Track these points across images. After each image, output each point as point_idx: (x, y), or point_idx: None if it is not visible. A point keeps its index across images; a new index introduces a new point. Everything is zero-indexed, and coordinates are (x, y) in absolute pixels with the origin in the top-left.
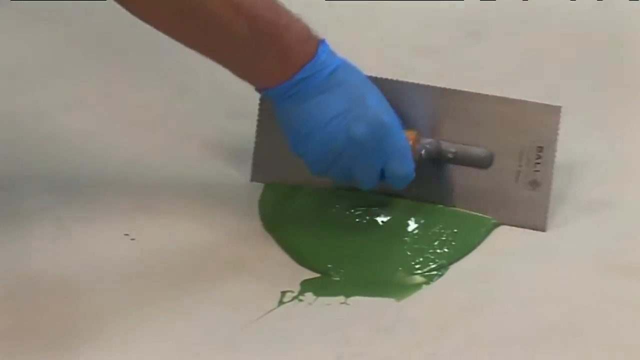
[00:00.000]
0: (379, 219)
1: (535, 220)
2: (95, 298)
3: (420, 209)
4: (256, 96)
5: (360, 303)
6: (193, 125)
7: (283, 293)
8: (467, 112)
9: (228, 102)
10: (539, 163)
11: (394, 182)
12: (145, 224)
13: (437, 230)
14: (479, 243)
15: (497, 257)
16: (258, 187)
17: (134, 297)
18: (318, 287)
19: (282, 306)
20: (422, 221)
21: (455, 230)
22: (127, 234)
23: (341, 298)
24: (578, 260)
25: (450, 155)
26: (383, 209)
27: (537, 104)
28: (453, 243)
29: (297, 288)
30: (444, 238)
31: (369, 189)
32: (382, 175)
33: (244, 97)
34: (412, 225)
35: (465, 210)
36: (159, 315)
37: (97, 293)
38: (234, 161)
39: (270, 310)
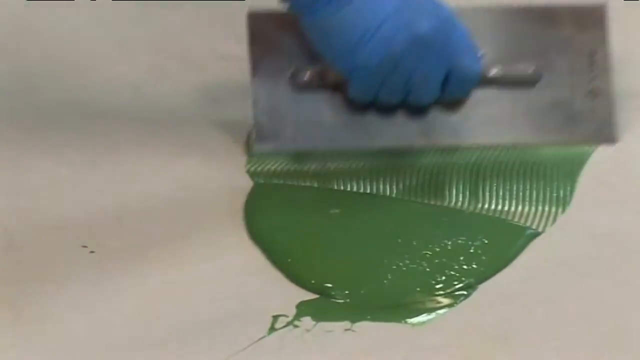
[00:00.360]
0: (391, 229)
1: (602, 132)
2: None
3: (443, 214)
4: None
5: (369, 330)
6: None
7: (275, 318)
8: (500, 27)
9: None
10: (593, 69)
11: (459, 88)
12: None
13: (463, 241)
14: (514, 257)
15: (536, 274)
16: (242, 190)
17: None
18: (317, 310)
19: (274, 334)
20: (445, 230)
21: (486, 241)
22: (85, 246)
23: (345, 324)
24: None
25: (492, 75)
26: (396, 214)
27: (578, 5)
28: (483, 257)
29: (291, 311)
30: (471, 251)
31: (428, 103)
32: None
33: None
34: (432, 234)
35: (498, 216)
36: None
37: None
38: (214, 160)
39: (260, 339)
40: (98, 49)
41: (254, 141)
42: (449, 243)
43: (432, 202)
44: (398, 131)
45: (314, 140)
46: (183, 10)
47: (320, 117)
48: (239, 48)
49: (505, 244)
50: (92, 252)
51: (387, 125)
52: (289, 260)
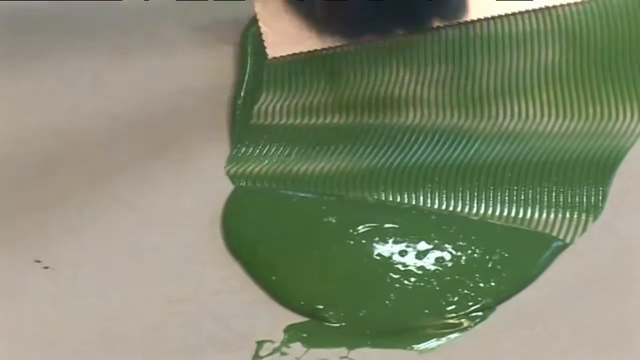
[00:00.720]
0: (394, 240)
1: None
2: None
3: (455, 223)
4: None
5: (369, 358)
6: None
7: (259, 343)
8: None
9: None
10: None
11: None
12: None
13: (479, 255)
14: (539, 273)
15: (563, 292)
16: (220, 195)
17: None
18: (308, 335)
19: None
20: (458, 242)
21: (506, 255)
22: (38, 261)
23: (341, 351)
24: None
25: None
26: (400, 225)
27: None
28: (502, 274)
29: (279, 336)
30: (489, 266)
31: None
32: None
33: None
34: (442, 248)
35: (519, 224)
36: None
37: None
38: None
39: None
40: None
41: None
42: (463, 257)
43: (442, 208)
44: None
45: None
46: None
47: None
48: None
49: (528, 257)
50: (46, 267)
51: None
52: (274, 277)
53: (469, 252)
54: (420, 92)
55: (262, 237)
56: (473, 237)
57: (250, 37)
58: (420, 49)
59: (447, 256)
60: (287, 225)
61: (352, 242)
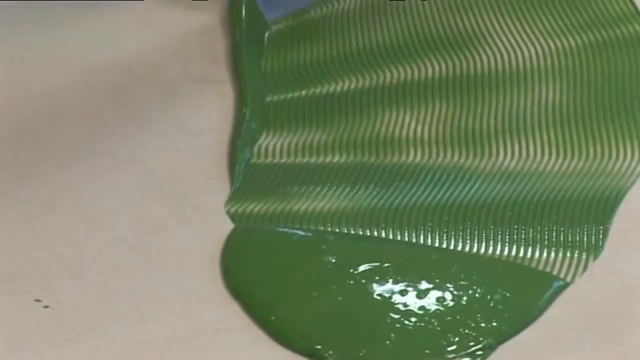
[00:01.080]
0: (394, 280)
1: None
2: None
3: (456, 261)
4: None
5: None
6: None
7: None
8: None
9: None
10: None
11: None
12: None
13: (480, 294)
14: (541, 312)
15: (564, 332)
16: (220, 234)
17: None
18: None
19: None
20: (459, 281)
21: (508, 295)
22: (39, 300)
23: None
24: None
25: None
26: (400, 264)
27: None
28: (504, 314)
29: None
30: (491, 305)
31: None
32: None
33: None
34: (443, 287)
35: (520, 262)
36: None
37: None
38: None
39: None
40: None
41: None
42: (464, 296)
43: (443, 247)
44: None
45: None
46: None
47: None
48: None
49: (529, 297)
50: (46, 306)
51: None
52: (273, 317)
53: (470, 291)
54: (421, 132)
55: (261, 277)
56: (474, 277)
57: (249, 76)
58: (421, 88)
59: (448, 296)
60: (286, 265)
61: (351, 282)
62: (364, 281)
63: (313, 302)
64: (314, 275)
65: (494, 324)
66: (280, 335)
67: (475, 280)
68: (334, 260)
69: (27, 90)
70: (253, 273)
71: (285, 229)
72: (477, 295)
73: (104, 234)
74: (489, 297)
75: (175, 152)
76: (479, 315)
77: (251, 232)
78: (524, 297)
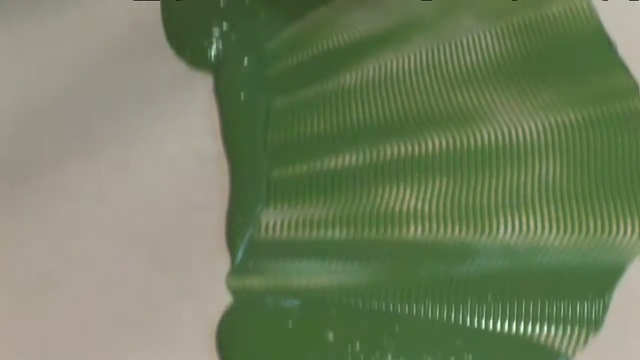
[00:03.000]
0: (394, 354)
1: None
2: None
3: (458, 337)
4: None
5: None
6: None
7: None
8: None
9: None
10: None
11: None
12: None
13: None
14: None
15: None
16: (219, 307)
17: None
18: None
19: None
20: (462, 356)
21: None
22: None
23: None
24: None
25: None
26: (401, 339)
27: None
28: None
29: None
30: None
31: None
32: None
33: None
34: None
35: (522, 337)
36: None
37: None
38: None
39: None
40: None
41: None
42: None
43: (444, 321)
44: None
45: None
46: None
47: None
48: None
49: None
50: None
51: None
52: None
53: None
54: (422, 207)
55: (258, 353)
56: (477, 351)
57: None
58: (421, 164)
59: None
60: (284, 341)
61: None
62: (362, 357)
63: None
64: (312, 352)
65: None
66: None
67: (478, 355)
68: (332, 337)
69: None
70: (250, 348)
71: (284, 304)
72: None
73: (104, 309)
74: None
75: (176, 225)
76: None
77: (249, 306)
78: None
